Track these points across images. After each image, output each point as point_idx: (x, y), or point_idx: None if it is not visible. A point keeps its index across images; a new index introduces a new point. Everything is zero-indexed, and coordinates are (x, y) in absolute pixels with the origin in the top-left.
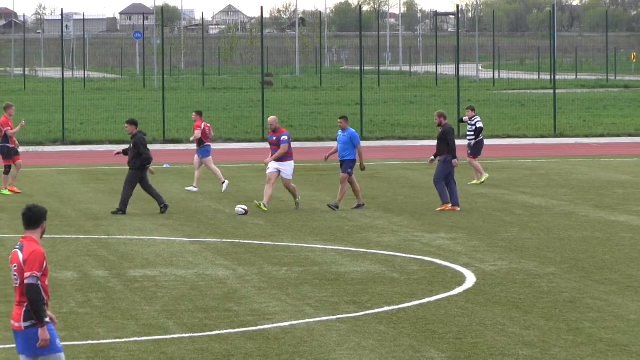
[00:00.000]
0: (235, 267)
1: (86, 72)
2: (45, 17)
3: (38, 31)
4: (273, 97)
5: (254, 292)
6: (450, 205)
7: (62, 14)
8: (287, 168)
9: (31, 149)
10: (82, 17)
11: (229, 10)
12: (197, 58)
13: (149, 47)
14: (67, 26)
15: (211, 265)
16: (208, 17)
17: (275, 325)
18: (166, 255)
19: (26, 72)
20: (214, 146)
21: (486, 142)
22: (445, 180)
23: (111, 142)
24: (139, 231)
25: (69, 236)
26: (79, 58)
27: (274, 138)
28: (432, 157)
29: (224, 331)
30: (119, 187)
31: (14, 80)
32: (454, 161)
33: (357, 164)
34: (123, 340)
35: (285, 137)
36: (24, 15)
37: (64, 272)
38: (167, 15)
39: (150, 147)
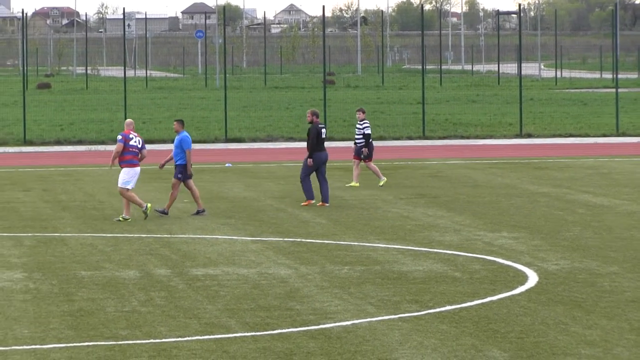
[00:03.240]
0: (297, 265)
1: (148, 71)
2: (107, 16)
3: (100, 30)
4: (335, 96)
5: (316, 291)
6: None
7: (124, 13)
8: None
9: (93, 147)
10: (144, 16)
11: (291, 9)
12: (259, 57)
13: (210, 46)
14: (129, 25)
15: (273, 264)
16: (270, 16)
17: (337, 324)
18: (228, 254)
19: (88, 71)
20: (277, 145)
21: (548, 140)
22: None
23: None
24: (200, 230)
25: (131, 235)
26: (141, 57)
27: None
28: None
29: (286, 330)
30: (180, 185)
31: (76, 79)
32: (308, 160)
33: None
34: (185, 339)
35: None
36: (86, 15)
37: (126, 271)
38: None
39: (211, 146)
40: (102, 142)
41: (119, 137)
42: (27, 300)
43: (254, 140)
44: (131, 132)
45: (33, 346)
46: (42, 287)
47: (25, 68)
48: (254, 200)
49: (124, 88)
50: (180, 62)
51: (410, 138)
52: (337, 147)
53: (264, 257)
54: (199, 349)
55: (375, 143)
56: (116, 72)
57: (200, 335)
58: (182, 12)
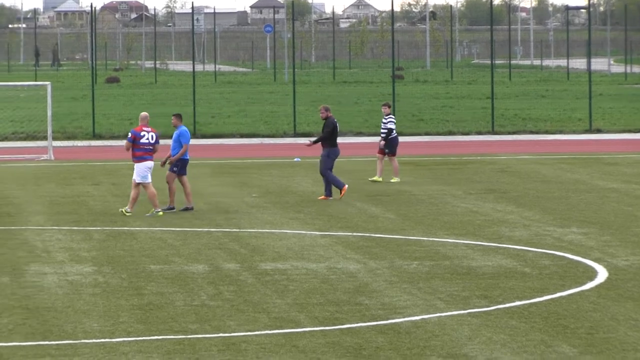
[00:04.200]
0: (366, 260)
1: (217, 66)
2: (176, 11)
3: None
4: (404, 91)
5: (385, 285)
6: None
7: (192, 8)
8: None
9: (162, 141)
10: (212, 11)
11: (360, 3)
12: (327, 52)
13: (279, 41)
14: (197, 19)
15: (342, 259)
16: (338, 11)
17: (406, 319)
18: (297, 248)
19: (157, 66)
20: (346, 140)
21: (618, 136)
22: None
23: (242, 136)
24: (269, 224)
25: (200, 229)
26: (209, 51)
27: None
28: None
29: (355, 325)
30: (249, 180)
31: (145, 74)
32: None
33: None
34: (254, 333)
35: (129, 135)
36: (155, 9)
37: (195, 265)
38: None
39: (280, 140)
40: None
41: (129, 135)
42: (96, 294)
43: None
44: (144, 127)
45: (102, 340)
46: (111, 280)
47: (94, 62)
48: (321, 194)
49: (192, 82)
50: (248, 57)
51: (479, 133)
52: (406, 142)
53: (333, 252)
54: (268, 343)
55: (443, 138)
56: (185, 66)
57: (269, 330)
58: (251, 7)
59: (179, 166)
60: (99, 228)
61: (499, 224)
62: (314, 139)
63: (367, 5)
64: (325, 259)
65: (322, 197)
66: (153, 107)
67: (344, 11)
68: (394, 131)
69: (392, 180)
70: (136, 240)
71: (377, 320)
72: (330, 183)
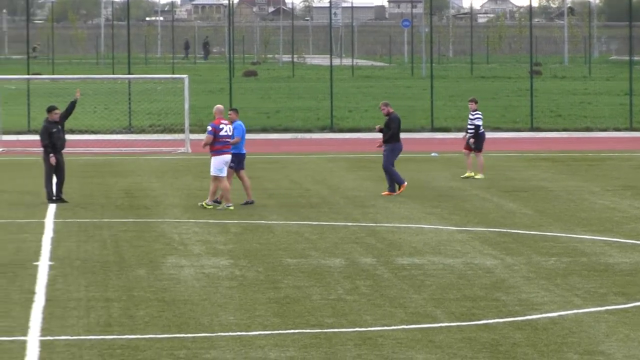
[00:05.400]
0: (503, 256)
1: (354, 60)
2: (314, 5)
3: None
4: (541, 86)
5: (522, 281)
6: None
7: (330, 2)
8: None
9: (299, 135)
10: (350, 5)
11: None
12: (465, 46)
13: (417, 35)
14: (335, 14)
15: (479, 255)
16: (476, 6)
17: (543, 315)
18: (434, 243)
19: (294, 59)
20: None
21: None
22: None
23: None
24: (406, 219)
25: (337, 223)
26: (347, 46)
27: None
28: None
29: (492, 320)
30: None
31: (282, 67)
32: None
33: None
34: (391, 328)
35: (209, 128)
36: (292, 3)
37: (332, 259)
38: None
39: (417, 135)
40: (308, 130)
41: (209, 128)
42: (233, 287)
43: (460, 130)
44: (222, 120)
45: (239, 333)
46: (248, 274)
47: (231, 55)
48: (459, 189)
49: (330, 76)
50: (386, 51)
51: (617, 129)
52: (544, 138)
53: (470, 247)
54: (405, 338)
55: (581, 134)
56: (322, 60)
57: (406, 325)
58: (389, 1)
59: (236, 161)
60: (235, 221)
61: (637, 221)
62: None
63: (505, 1)
64: (462, 254)
65: (386, 192)
66: (290, 101)
67: (482, 6)
68: (481, 127)
69: (476, 177)
70: (273, 233)
71: (514, 316)
72: (393, 179)
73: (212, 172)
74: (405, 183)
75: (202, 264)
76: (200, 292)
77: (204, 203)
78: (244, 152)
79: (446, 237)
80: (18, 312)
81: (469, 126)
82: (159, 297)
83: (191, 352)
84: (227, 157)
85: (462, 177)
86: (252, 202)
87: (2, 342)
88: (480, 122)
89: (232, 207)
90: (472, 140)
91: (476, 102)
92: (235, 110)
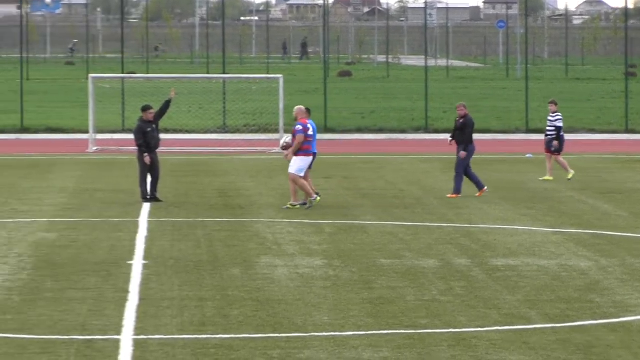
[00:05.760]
0: (597, 258)
1: (449, 61)
2: (409, 5)
3: (401, 19)
4: (636, 88)
5: (617, 283)
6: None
7: (425, 3)
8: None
9: (394, 136)
10: (445, 6)
11: (593, 0)
12: (560, 48)
13: (512, 37)
14: (430, 14)
15: (573, 256)
16: (572, 7)
17: (637, 317)
18: (528, 245)
19: (389, 60)
20: (578, 137)
21: None
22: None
23: (474, 132)
24: (500, 220)
25: (432, 224)
26: (441, 46)
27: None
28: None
29: (586, 322)
30: (480, 175)
31: (377, 68)
32: (461, 153)
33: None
34: (485, 329)
35: (298, 127)
36: (387, 3)
37: (426, 260)
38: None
39: (512, 136)
40: (403, 131)
41: (299, 127)
42: (327, 287)
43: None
44: (306, 120)
45: (332, 333)
46: (342, 274)
47: (326, 56)
48: (554, 191)
49: (425, 77)
50: (481, 52)
51: None
52: (638, 140)
53: (564, 249)
54: (499, 340)
55: None
56: (417, 61)
57: (500, 326)
58: (484, 2)
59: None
60: (329, 221)
61: None
62: (449, 138)
63: (601, 2)
64: (557, 256)
65: (479, 193)
66: (385, 101)
67: (577, 8)
68: (562, 129)
69: (568, 177)
70: (367, 234)
71: (608, 318)
72: (474, 179)
73: (294, 172)
74: (486, 188)
75: (296, 264)
76: (294, 292)
77: (288, 205)
78: (315, 151)
79: (540, 238)
80: (112, 311)
81: (548, 128)
82: (253, 296)
83: (285, 352)
84: (311, 158)
85: (541, 180)
86: (305, 204)
87: (96, 341)
88: (561, 124)
89: (318, 199)
90: (555, 142)
91: (556, 104)
92: (307, 110)
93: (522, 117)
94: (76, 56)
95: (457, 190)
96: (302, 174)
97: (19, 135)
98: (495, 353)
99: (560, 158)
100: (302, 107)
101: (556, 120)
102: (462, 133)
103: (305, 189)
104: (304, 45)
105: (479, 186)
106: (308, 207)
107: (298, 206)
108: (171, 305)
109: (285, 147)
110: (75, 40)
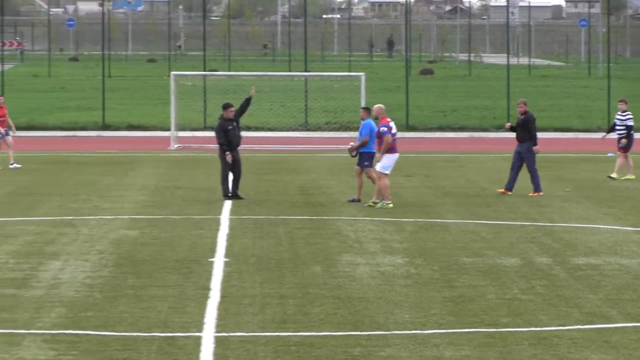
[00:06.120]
0: None
1: (531, 59)
2: (491, 4)
3: (483, 17)
4: None
5: None
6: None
7: (507, 1)
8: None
9: (476, 134)
10: (527, 4)
11: None
12: None
13: (594, 35)
14: (512, 13)
15: None
16: None
17: None
18: (610, 243)
19: (471, 58)
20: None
21: None
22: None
23: (556, 130)
24: (582, 219)
25: (514, 223)
26: (523, 45)
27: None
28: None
29: None
30: (562, 174)
31: (459, 66)
32: (535, 148)
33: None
34: (566, 327)
35: (384, 129)
36: (469, 2)
37: (507, 259)
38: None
39: (595, 135)
40: (485, 129)
41: (384, 129)
42: (408, 285)
43: (637, 130)
44: (387, 119)
45: (413, 331)
46: (423, 272)
47: (408, 54)
48: (636, 190)
49: (506, 75)
50: (563, 51)
51: None
52: None
53: None
54: (580, 338)
55: None
56: (499, 59)
57: (581, 325)
58: (566, 1)
59: (369, 160)
60: (411, 220)
61: None
62: (511, 132)
63: None
64: (638, 255)
65: (502, 190)
66: (467, 100)
67: None
68: (632, 128)
69: (629, 178)
70: (449, 232)
71: None
72: (513, 178)
73: (381, 170)
74: (541, 192)
75: (378, 262)
76: (376, 290)
77: (370, 202)
78: (375, 150)
79: (622, 237)
80: (193, 308)
81: (618, 127)
82: (334, 294)
83: (366, 349)
84: (397, 155)
85: (622, 179)
86: (358, 200)
87: (178, 338)
88: (632, 123)
89: (391, 205)
90: (623, 140)
91: (626, 103)
92: (367, 109)
93: (603, 116)
94: (156, 54)
95: (537, 188)
96: (388, 172)
97: (101, 133)
98: (576, 352)
99: (628, 157)
100: (382, 105)
101: (627, 119)
102: (523, 129)
103: (385, 191)
104: (390, 43)
105: (508, 187)
106: (380, 206)
107: (380, 204)
108: (252, 302)
109: (350, 150)
110: (184, 38)
